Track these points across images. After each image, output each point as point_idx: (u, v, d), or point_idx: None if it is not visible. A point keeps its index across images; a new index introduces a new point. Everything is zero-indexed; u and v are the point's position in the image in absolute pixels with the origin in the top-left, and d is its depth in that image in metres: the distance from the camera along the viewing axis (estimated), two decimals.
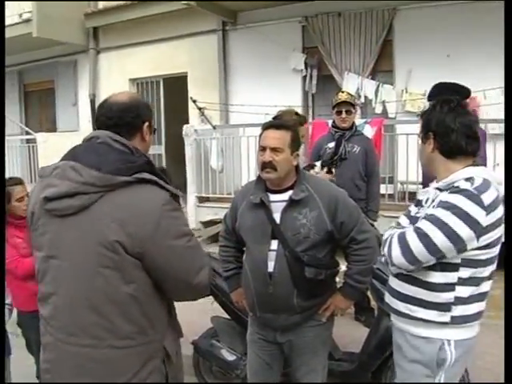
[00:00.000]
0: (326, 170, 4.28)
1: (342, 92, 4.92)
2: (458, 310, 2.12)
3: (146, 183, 1.75)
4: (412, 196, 6.06)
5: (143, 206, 1.72)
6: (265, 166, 2.63)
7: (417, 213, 2.26)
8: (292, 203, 2.60)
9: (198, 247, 1.90)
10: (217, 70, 9.22)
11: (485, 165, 4.41)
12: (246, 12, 8.85)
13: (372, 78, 8.00)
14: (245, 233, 2.76)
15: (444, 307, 2.13)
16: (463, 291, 2.11)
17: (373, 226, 4.26)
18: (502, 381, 2.21)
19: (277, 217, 2.62)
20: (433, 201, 2.17)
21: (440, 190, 2.17)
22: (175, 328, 2.02)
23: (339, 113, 4.70)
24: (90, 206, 1.71)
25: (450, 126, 2.16)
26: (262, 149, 2.65)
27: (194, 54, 9.41)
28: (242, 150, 7.70)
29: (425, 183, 4.76)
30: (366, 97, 7.95)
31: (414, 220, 2.22)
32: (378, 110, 7.86)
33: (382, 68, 8.14)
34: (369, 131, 6.60)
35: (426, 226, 2.08)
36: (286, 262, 2.58)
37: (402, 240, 2.14)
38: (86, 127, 10.60)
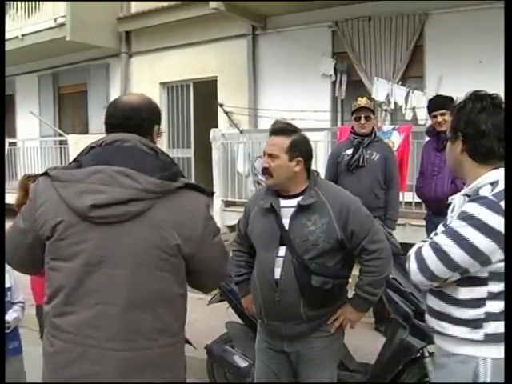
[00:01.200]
0: None
1: (362, 97, 4.87)
2: (492, 327, 1.91)
3: (189, 188, 1.83)
4: None
5: (193, 209, 1.84)
6: (263, 171, 2.66)
7: (450, 222, 2.04)
8: (300, 209, 2.55)
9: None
10: (246, 75, 9.21)
11: None
12: (276, 17, 8.81)
13: (402, 84, 7.84)
14: (255, 238, 2.74)
15: (475, 324, 1.93)
16: (495, 306, 1.90)
17: (391, 234, 4.18)
18: None
19: (286, 223, 2.58)
20: (459, 209, 1.98)
21: (468, 196, 1.98)
22: None
23: (358, 118, 4.66)
24: (145, 212, 1.74)
25: (481, 127, 1.93)
26: (264, 154, 2.67)
27: (224, 59, 9.43)
28: None
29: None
30: (395, 103, 7.78)
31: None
32: (408, 116, 7.71)
33: (412, 74, 7.99)
34: (397, 138, 6.50)
35: (442, 240, 1.92)
36: (293, 270, 2.53)
37: (419, 255, 1.98)
38: None
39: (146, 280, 1.75)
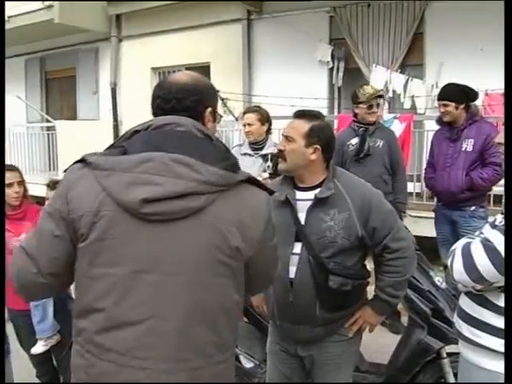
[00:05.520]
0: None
1: (367, 85, 4.81)
2: None
3: (250, 182, 1.59)
4: None
5: (257, 207, 1.59)
6: (278, 154, 2.47)
7: (500, 222, 1.85)
8: (318, 202, 2.35)
9: None
10: (241, 61, 8.96)
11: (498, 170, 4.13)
12: (272, 1, 8.55)
13: (401, 72, 7.67)
14: None
15: None
16: None
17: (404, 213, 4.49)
18: None
19: (302, 217, 2.38)
20: None
21: None
22: None
23: (370, 107, 4.53)
24: (205, 208, 1.48)
25: None
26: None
27: (218, 44, 9.16)
28: None
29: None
30: (394, 91, 7.60)
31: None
32: (407, 105, 7.55)
33: (411, 61, 7.80)
34: (397, 127, 6.35)
35: (496, 238, 1.73)
36: (309, 269, 2.33)
37: (466, 252, 1.80)
38: (106, 116, 10.47)
39: (206, 288, 1.50)
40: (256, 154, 4.53)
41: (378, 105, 4.56)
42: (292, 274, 2.38)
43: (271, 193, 1.67)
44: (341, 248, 2.34)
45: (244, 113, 4.71)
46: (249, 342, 3.37)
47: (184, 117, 1.60)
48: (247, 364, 3.30)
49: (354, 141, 4.62)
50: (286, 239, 2.40)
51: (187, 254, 1.47)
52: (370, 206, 2.35)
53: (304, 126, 2.39)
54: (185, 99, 1.62)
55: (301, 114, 2.46)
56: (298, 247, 2.39)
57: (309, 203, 2.39)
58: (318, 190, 2.38)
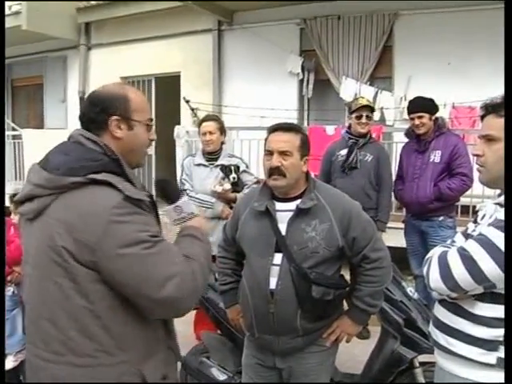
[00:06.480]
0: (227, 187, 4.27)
1: (362, 97, 4.87)
2: None
3: (99, 184, 1.58)
4: None
5: (90, 209, 1.55)
6: (272, 171, 2.38)
7: (473, 230, 1.89)
8: (299, 213, 2.35)
9: (164, 254, 1.60)
10: (211, 71, 8.96)
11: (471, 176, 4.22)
12: (243, 12, 8.60)
13: (370, 84, 7.80)
14: (246, 244, 2.51)
15: (490, 345, 1.75)
16: None
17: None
18: None
19: (282, 227, 2.37)
20: (490, 217, 1.80)
21: (501, 205, 1.78)
22: (170, 350, 1.83)
23: (359, 117, 4.57)
24: (44, 210, 1.62)
25: None
26: (269, 153, 2.40)
27: (189, 54, 9.15)
28: (235, 153, 7.45)
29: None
30: None
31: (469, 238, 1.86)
32: (376, 116, 7.59)
33: (380, 74, 7.94)
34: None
35: (472, 247, 1.73)
36: (291, 279, 2.32)
37: (443, 261, 1.79)
38: (74, 125, 10.26)
39: (46, 284, 1.62)
40: (211, 164, 4.45)
41: (367, 117, 4.57)
42: (273, 285, 2.37)
43: (128, 196, 1.58)
44: (322, 258, 2.35)
45: (203, 121, 4.58)
46: (221, 354, 3.34)
47: (79, 129, 1.75)
48: (220, 376, 3.26)
49: (344, 152, 4.65)
50: (266, 250, 2.40)
51: (34, 251, 1.66)
52: (350, 217, 2.37)
53: (296, 138, 2.40)
54: (89, 112, 1.74)
55: (288, 128, 2.44)
56: (278, 258, 2.38)
57: (289, 214, 2.38)
58: (299, 201, 2.39)
